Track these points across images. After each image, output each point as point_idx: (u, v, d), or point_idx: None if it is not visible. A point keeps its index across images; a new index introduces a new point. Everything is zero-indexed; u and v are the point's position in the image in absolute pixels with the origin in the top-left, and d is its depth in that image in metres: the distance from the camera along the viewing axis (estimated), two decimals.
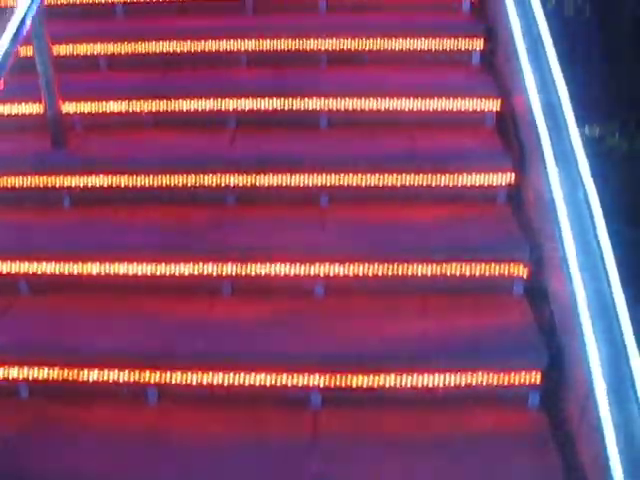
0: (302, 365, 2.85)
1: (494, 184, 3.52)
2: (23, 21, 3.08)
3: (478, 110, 3.84)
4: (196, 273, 3.20)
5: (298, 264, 3.12)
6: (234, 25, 4.19)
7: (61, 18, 4.04)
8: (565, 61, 3.67)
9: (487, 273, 3.18)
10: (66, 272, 3.28)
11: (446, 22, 4.30)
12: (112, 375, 2.92)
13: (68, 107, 3.78)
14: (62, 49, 4.09)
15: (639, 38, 5.77)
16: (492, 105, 3.84)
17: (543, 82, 3.54)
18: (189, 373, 2.88)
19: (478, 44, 4.17)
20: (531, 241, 3.21)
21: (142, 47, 4.10)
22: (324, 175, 3.43)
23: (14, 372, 2.97)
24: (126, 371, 2.90)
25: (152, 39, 4.10)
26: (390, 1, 4.38)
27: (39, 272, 3.30)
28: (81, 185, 3.58)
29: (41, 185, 3.61)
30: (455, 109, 3.83)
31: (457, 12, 4.45)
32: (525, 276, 3.19)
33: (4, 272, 3.33)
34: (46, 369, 2.94)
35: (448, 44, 4.14)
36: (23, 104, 3.88)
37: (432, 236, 3.25)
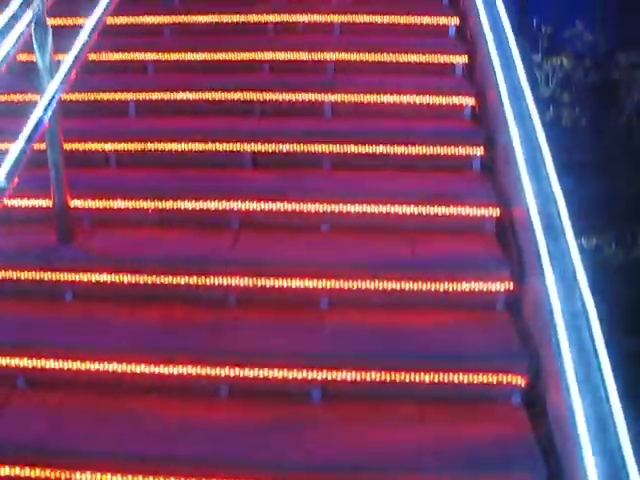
0: (301, 474, 2.83)
1: (493, 291, 3.55)
2: (41, 120, 3.16)
3: (478, 216, 3.92)
4: (194, 374, 3.21)
5: (296, 370, 3.13)
6: (241, 128, 4.32)
7: (74, 115, 4.16)
8: (563, 171, 3.77)
9: (485, 381, 3.19)
10: (65, 368, 3.29)
11: (447, 129, 4.42)
12: (110, 479, 2.88)
13: (76, 202, 3.86)
14: (74, 145, 4.20)
15: (634, 149, 5.94)
16: (492, 212, 3.92)
17: (541, 191, 3.62)
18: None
19: (478, 151, 4.28)
20: (530, 350, 3.23)
21: (151, 146, 4.22)
22: (324, 280, 3.48)
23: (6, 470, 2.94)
24: (124, 476, 2.87)
25: (161, 139, 4.22)
26: (392, 107, 4.52)
27: (38, 367, 3.30)
28: (85, 280, 3.62)
29: (45, 279, 3.65)
30: (455, 214, 3.91)
31: (458, 118, 4.58)
32: (523, 385, 3.19)
33: (3, 365, 3.33)
34: (38, 470, 2.91)
35: (449, 151, 4.25)
36: (32, 198, 3.96)
37: (431, 343, 3.27)
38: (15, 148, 2.95)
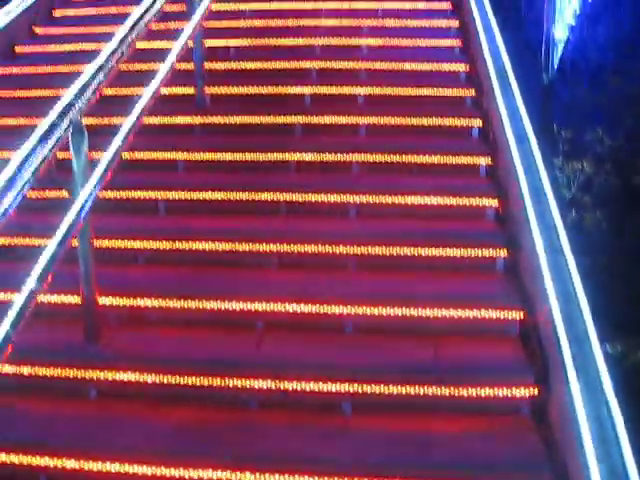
0: None
1: (517, 396, 3.52)
2: (73, 224, 3.24)
3: (502, 319, 3.91)
4: (215, 478, 3.19)
5: (317, 477, 3.10)
6: (267, 228, 4.40)
7: (105, 211, 4.26)
8: (585, 274, 3.78)
9: None
10: (85, 469, 3.29)
11: (470, 231, 4.47)
12: None
13: (104, 300, 3.93)
14: (104, 242, 4.30)
15: None
16: (515, 315, 3.91)
17: (564, 295, 3.63)
18: None
19: (502, 253, 4.31)
20: (554, 457, 3.18)
21: (179, 245, 4.31)
22: (347, 384, 3.47)
23: None
24: None
25: (189, 238, 4.31)
26: (416, 208, 4.59)
27: (59, 466, 3.31)
28: (109, 379, 3.65)
29: (70, 376, 3.69)
30: (479, 317, 3.91)
31: (481, 220, 4.63)
32: None
33: (25, 464, 3.34)
34: None
35: (472, 252, 4.29)
36: (62, 294, 4.03)
37: (455, 451, 3.23)
38: (47, 252, 3.03)
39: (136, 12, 4.45)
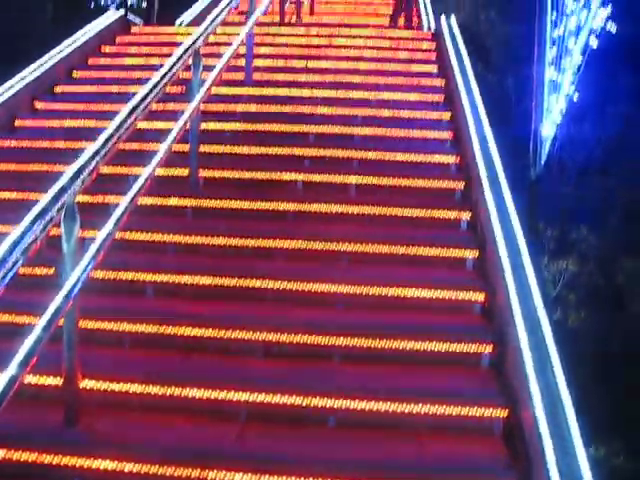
0: None
1: None
2: (59, 310, 3.23)
3: (485, 417, 3.89)
4: None
5: None
6: (254, 315, 4.40)
7: (92, 291, 4.25)
8: (570, 377, 3.79)
9: None
10: None
11: (456, 326, 4.48)
12: None
13: (86, 383, 3.88)
14: (89, 324, 4.27)
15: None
16: (499, 413, 3.89)
17: (549, 397, 3.64)
18: None
19: (487, 348, 4.31)
20: None
21: (165, 329, 4.29)
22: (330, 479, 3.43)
23: None
24: None
25: (175, 323, 4.30)
26: (404, 299, 4.60)
27: None
28: (86, 467, 3.58)
29: (46, 462, 3.61)
30: (463, 415, 3.88)
31: (467, 314, 4.65)
32: None
33: None
34: None
35: (458, 348, 4.28)
36: (44, 375, 3.98)
37: None
38: (31, 337, 3.01)
39: (137, 96, 4.51)
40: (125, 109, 4.28)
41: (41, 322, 3.13)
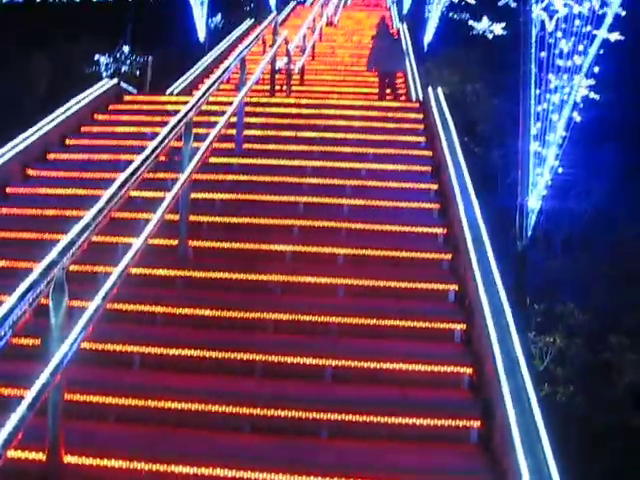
0: None
1: None
2: (41, 392, 3.19)
3: None
4: None
5: None
6: (241, 390, 4.37)
7: (78, 363, 4.20)
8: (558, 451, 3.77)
9: None
10: None
11: (444, 400, 4.46)
12: None
13: (70, 458, 3.82)
14: (75, 396, 4.22)
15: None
16: None
17: (539, 472, 3.61)
18: None
19: (475, 424, 4.29)
20: None
21: (151, 403, 4.25)
22: None
23: None
24: None
25: (161, 397, 4.26)
26: (391, 372, 4.59)
27: None
28: None
29: None
30: None
31: (455, 388, 4.63)
32: None
33: None
34: None
35: (446, 422, 4.27)
36: (26, 450, 3.91)
37: None
38: (16, 415, 2.98)
39: (128, 169, 4.55)
40: (116, 182, 4.32)
41: (26, 400, 3.11)
